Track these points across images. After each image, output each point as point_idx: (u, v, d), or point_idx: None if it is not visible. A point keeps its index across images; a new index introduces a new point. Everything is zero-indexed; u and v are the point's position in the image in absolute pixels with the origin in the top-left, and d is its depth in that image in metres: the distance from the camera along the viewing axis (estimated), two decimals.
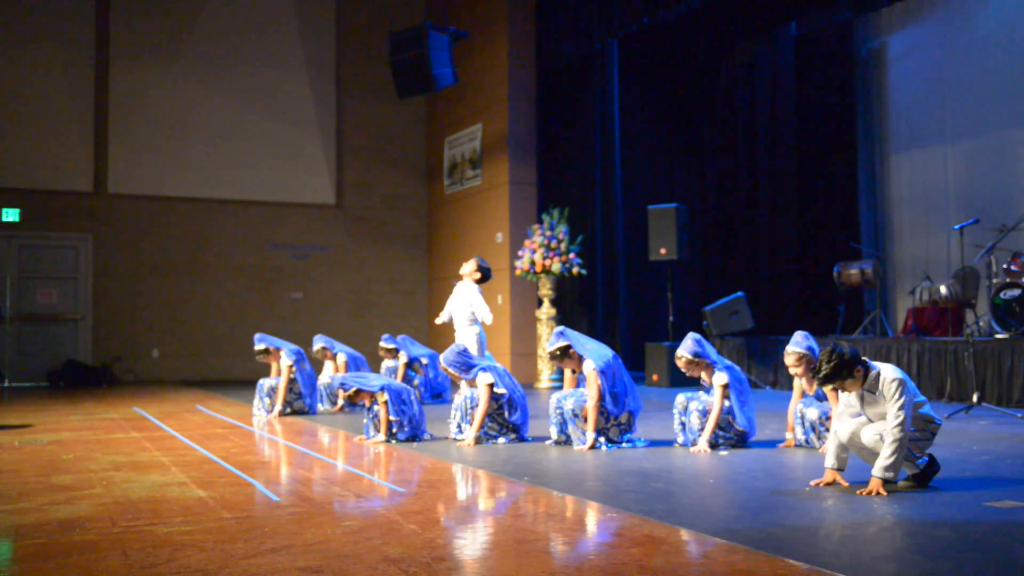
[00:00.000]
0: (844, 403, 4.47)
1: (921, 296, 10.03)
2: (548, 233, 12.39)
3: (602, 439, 5.94)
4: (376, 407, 6.49)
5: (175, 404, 9.89)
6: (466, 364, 6.42)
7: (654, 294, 12.68)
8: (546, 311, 12.60)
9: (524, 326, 13.53)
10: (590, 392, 5.91)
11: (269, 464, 5.70)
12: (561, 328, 6.19)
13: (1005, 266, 8.81)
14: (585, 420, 5.94)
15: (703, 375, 5.97)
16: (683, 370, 5.96)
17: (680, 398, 6.08)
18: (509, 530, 3.68)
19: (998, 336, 8.66)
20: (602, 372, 5.91)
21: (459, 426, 6.48)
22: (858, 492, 4.21)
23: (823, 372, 4.26)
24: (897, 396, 4.20)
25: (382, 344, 9.96)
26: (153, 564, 3.09)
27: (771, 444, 5.93)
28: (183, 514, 3.93)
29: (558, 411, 6.13)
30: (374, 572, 2.99)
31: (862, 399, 4.37)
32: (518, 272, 12.62)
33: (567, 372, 6.35)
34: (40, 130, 14.09)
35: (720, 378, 5.81)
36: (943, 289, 9.77)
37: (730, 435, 5.85)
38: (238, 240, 15.24)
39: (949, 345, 8.84)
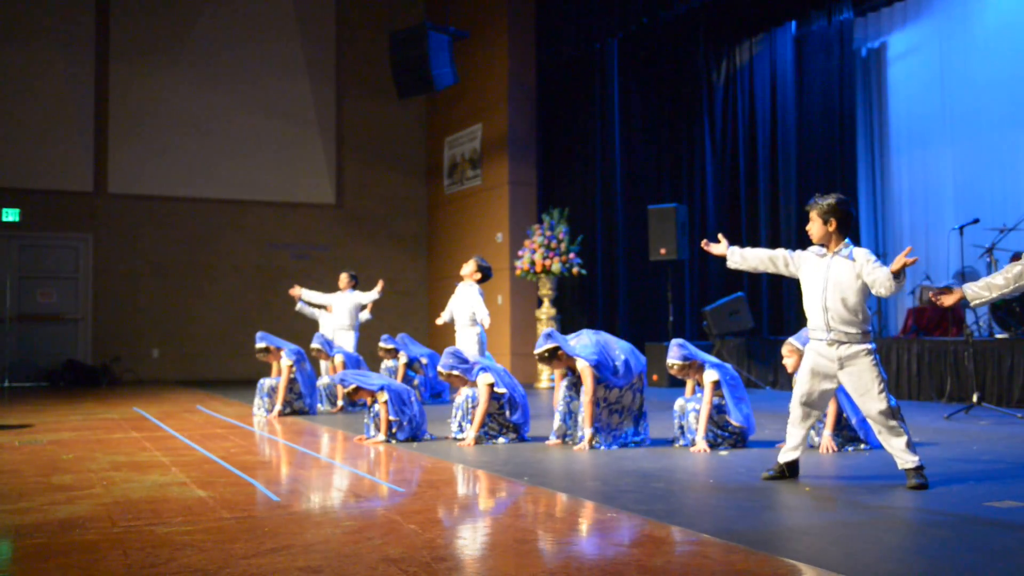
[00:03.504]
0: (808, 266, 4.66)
1: (921, 296, 10.03)
2: (548, 233, 12.39)
3: (599, 438, 5.94)
4: (376, 407, 6.49)
5: (175, 404, 9.89)
6: (465, 362, 6.42)
7: (654, 294, 12.67)
8: (546, 311, 12.60)
9: (524, 326, 13.53)
10: (585, 387, 5.91)
11: (269, 464, 5.70)
12: (549, 330, 6.21)
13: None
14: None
15: (696, 377, 6.00)
16: (678, 376, 5.99)
17: (679, 402, 6.09)
18: (509, 530, 3.68)
19: (998, 336, 8.66)
20: (597, 364, 5.92)
21: (460, 426, 6.48)
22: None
23: (824, 199, 4.55)
24: (874, 261, 4.43)
25: (381, 344, 9.96)
26: (153, 564, 3.09)
27: (771, 444, 5.93)
28: (183, 514, 3.92)
29: (565, 400, 6.15)
30: (374, 572, 2.99)
31: (826, 265, 4.55)
32: (518, 272, 12.62)
33: (559, 377, 6.34)
34: (40, 130, 14.09)
35: (711, 375, 5.83)
36: None
37: (728, 434, 5.85)
38: (238, 240, 15.24)
39: (949, 345, 8.84)
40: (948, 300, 4.14)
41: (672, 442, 6.10)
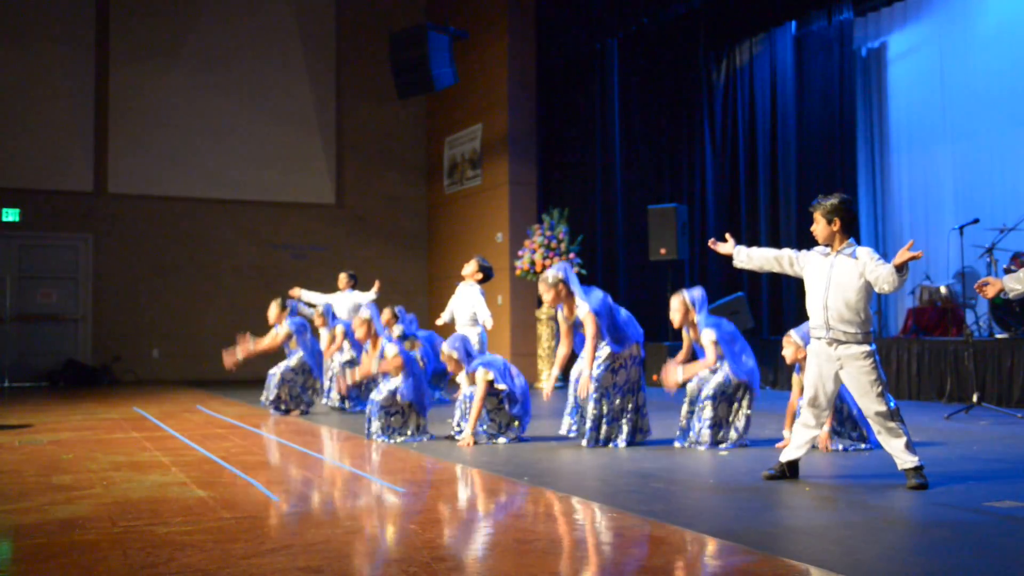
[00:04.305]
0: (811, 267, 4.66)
1: (921, 296, 10.03)
2: (548, 233, 12.39)
3: (621, 437, 5.93)
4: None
5: (175, 404, 9.89)
6: (467, 351, 6.42)
7: (654, 294, 12.66)
8: (546, 311, 12.59)
9: (524, 326, 13.52)
10: (588, 335, 5.92)
11: (269, 464, 5.70)
12: (565, 264, 6.18)
13: (1005, 266, 8.81)
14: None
15: (692, 332, 5.98)
16: (672, 311, 5.99)
17: (691, 386, 6.05)
18: (509, 530, 3.68)
19: (998, 336, 8.66)
20: (598, 313, 5.93)
21: (459, 424, 6.47)
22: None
23: (828, 199, 4.56)
24: (877, 259, 4.42)
25: (392, 310, 9.71)
26: (153, 564, 3.09)
27: (771, 443, 5.93)
28: (183, 514, 3.92)
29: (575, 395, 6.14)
30: (374, 572, 2.99)
31: (830, 264, 4.55)
32: (518, 272, 12.62)
33: (562, 324, 6.29)
34: (40, 130, 14.08)
35: (708, 335, 5.84)
36: (943, 289, 9.77)
37: (731, 392, 5.85)
38: (238, 240, 15.23)
39: (949, 345, 8.84)
40: (990, 291, 4.21)
41: (672, 441, 6.09)
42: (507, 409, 6.32)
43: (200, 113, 14.98)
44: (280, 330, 8.51)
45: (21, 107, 14.01)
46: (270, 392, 8.63)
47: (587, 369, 5.96)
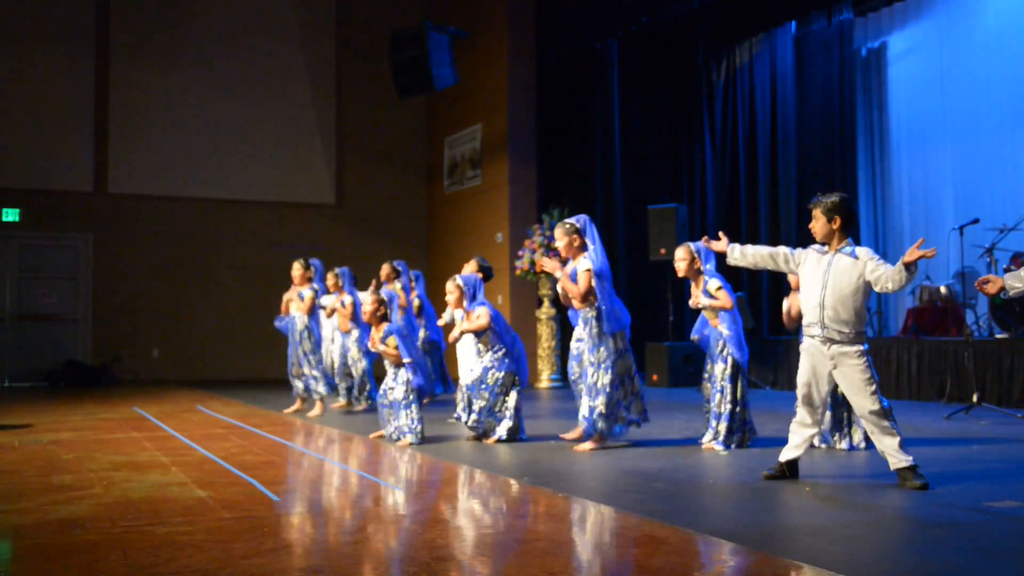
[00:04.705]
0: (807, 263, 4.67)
1: (921, 296, 10.03)
2: (548, 233, 12.38)
3: (621, 418, 5.90)
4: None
5: (175, 404, 9.89)
6: (474, 292, 6.40)
7: (654, 294, 12.67)
8: (546, 311, 12.60)
9: (524, 326, 13.51)
10: (579, 282, 5.75)
11: (269, 464, 5.70)
12: (588, 217, 6.05)
13: (1005, 266, 8.81)
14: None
15: (696, 284, 5.90)
16: (676, 260, 5.90)
17: (706, 386, 6.00)
18: (509, 530, 3.68)
19: (998, 336, 8.66)
20: (598, 275, 5.77)
21: (459, 416, 6.43)
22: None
23: (828, 197, 4.58)
24: (878, 258, 4.45)
25: (391, 265, 9.58)
26: (153, 564, 3.09)
27: (771, 443, 5.92)
28: (183, 514, 3.92)
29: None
30: (374, 572, 2.99)
31: (827, 262, 4.55)
32: (518, 272, 12.62)
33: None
34: (40, 130, 14.08)
35: (715, 282, 5.78)
36: (943, 289, 9.77)
37: (733, 373, 5.82)
38: (238, 240, 15.23)
39: (949, 345, 8.84)
40: (991, 288, 4.21)
41: (671, 442, 6.09)
42: (502, 368, 6.28)
43: (200, 113, 14.98)
44: (306, 293, 8.50)
45: (21, 107, 14.01)
46: (306, 379, 8.58)
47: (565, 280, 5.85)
